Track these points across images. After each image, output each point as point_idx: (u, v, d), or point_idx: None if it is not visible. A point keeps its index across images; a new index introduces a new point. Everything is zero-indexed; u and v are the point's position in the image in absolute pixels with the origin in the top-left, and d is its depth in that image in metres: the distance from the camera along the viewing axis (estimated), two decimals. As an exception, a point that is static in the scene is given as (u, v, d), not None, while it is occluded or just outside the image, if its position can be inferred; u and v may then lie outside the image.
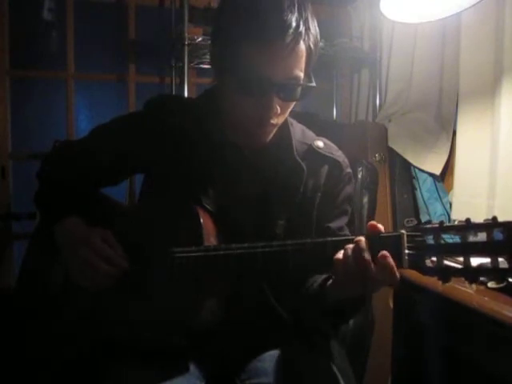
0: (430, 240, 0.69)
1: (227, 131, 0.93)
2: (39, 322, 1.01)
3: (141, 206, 1.09)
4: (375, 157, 1.82)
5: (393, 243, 0.70)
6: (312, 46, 0.84)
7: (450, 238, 0.69)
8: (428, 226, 0.70)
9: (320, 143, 0.99)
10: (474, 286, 0.66)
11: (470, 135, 1.55)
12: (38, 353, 1.01)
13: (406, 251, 0.70)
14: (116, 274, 0.87)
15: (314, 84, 0.87)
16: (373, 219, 1.45)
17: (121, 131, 1.00)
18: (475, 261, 0.66)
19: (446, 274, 0.68)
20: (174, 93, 2.12)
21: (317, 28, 0.86)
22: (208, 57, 1.93)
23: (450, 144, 1.76)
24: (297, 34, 0.80)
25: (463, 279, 0.67)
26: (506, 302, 1.00)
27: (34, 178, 1.05)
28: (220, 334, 0.89)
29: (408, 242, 0.70)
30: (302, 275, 0.92)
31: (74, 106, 2.28)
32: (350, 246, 0.72)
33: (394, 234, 0.71)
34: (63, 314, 0.97)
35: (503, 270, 0.64)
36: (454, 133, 1.72)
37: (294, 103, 0.90)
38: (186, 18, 1.80)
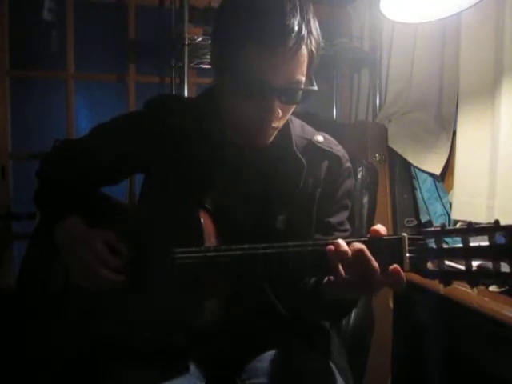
0: (432, 243, 0.69)
1: (227, 131, 0.93)
2: (39, 322, 1.01)
3: (141, 206, 1.09)
4: (375, 157, 1.82)
5: (394, 246, 0.70)
6: (314, 49, 0.83)
7: (451, 241, 0.69)
8: (429, 229, 0.70)
9: (320, 138, 0.98)
10: (475, 289, 0.66)
11: (470, 135, 1.55)
12: (37, 353, 1.01)
13: (408, 254, 0.69)
14: (115, 279, 0.87)
15: (315, 87, 0.86)
16: (373, 219, 1.45)
17: (121, 131, 1.00)
18: (476, 264, 0.66)
19: (448, 277, 0.67)
20: (173, 93, 2.12)
21: (318, 30, 0.84)
22: (208, 57, 1.93)
23: (449, 144, 1.76)
24: (299, 39, 0.78)
25: (465, 283, 0.67)
26: (505, 302, 1.01)
27: (33, 177, 1.05)
28: (220, 334, 0.88)
29: (409, 246, 0.70)
30: (302, 276, 0.92)
31: (73, 106, 2.27)
32: (351, 254, 0.71)
33: (395, 237, 0.71)
34: (63, 313, 0.97)
35: (505, 274, 0.64)
36: (454, 133, 1.72)
37: (295, 105, 0.89)
38: (186, 18, 1.80)
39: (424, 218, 1.76)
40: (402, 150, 1.83)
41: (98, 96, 2.34)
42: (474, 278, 0.66)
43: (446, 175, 1.82)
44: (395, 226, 1.80)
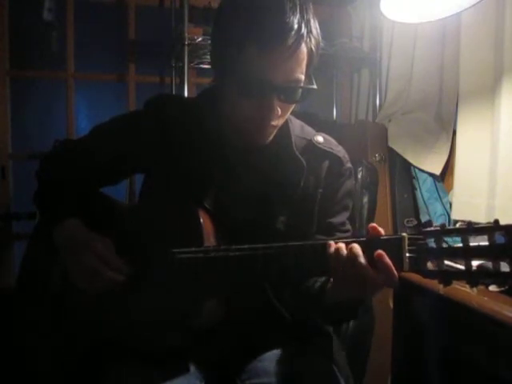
0: (432, 243, 0.69)
1: (227, 131, 0.93)
2: (39, 322, 1.01)
3: (141, 206, 1.09)
4: (375, 157, 1.82)
5: (394, 246, 0.70)
6: (313, 48, 0.83)
7: (451, 241, 0.69)
8: (429, 228, 0.70)
9: (320, 138, 0.99)
10: (475, 289, 0.66)
11: (470, 135, 1.55)
12: (37, 353, 1.01)
13: (407, 254, 0.70)
14: (117, 278, 0.86)
15: (315, 86, 0.87)
16: (373, 219, 1.45)
17: (121, 131, 1.00)
18: (476, 263, 0.66)
19: (447, 277, 0.67)
20: (174, 93, 2.12)
21: (318, 29, 0.85)
22: (208, 57, 1.93)
23: (449, 144, 1.76)
24: (299, 37, 0.79)
25: (464, 282, 0.67)
26: (505, 302, 1.00)
27: (33, 178, 1.05)
28: (220, 334, 0.89)
29: (409, 245, 0.70)
30: (302, 276, 0.92)
31: (74, 106, 2.28)
32: (345, 252, 0.72)
33: (395, 236, 0.71)
34: (63, 313, 0.97)
35: (505, 273, 0.63)
36: (454, 133, 1.72)
37: (295, 104, 0.90)
38: (186, 18, 1.80)
39: (424, 218, 1.76)
40: (402, 150, 1.83)
41: (97, 96, 2.35)
42: (473, 278, 0.66)
43: (446, 175, 1.82)
44: (395, 226, 1.80)
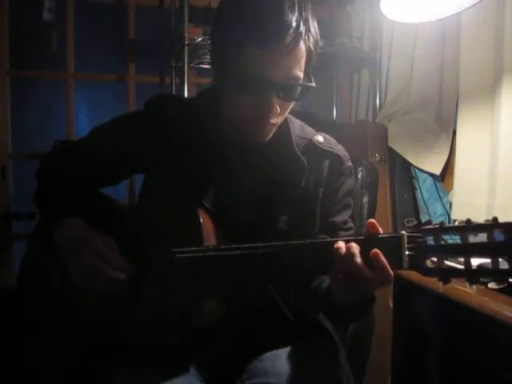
0: (431, 241, 0.69)
1: (227, 130, 0.93)
2: (39, 322, 1.01)
3: (141, 206, 1.09)
4: (375, 157, 1.82)
5: (393, 244, 0.70)
6: (312, 46, 0.84)
7: (450, 239, 0.69)
8: (428, 226, 0.70)
9: (320, 138, 0.99)
10: (474, 286, 0.66)
11: (470, 135, 1.55)
12: (37, 353, 1.01)
13: (407, 252, 0.70)
14: (118, 277, 0.86)
15: (313, 84, 0.88)
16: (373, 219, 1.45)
17: (121, 131, 1.00)
18: (475, 261, 0.66)
19: (447, 274, 0.68)
20: (174, 93, 2.12)
21: (317, 29, 0.86)
22: (208, 57, 1.93)
23: (449, 144, 1.76)
24: (297, 35, 0.80)
25: (463, 280, 0.67)
26: (505, 301, 1.00)
27: (33, 178, 1.05)
28: (220, 334, 0.88)
29: (408, 243, 0.70)
30: (302, 275, 0.92)
31: (74, 106, 2.28)
32: (343, 251, 0.73)
33: (395, 235, 0.71)
34: (63, 313, 0.97)
35: (504, 270, 0.64)
36: (454, 133, 1.72)
37: (294, 103, 0.90)
38: (186, 18, 1.80)
39: (424, 218, 1.76)
40: (402, 150, 1.83)
41: (97, 96, 2.35)
42: (472, 275, 0.66)
43: (446, 175, 1.82)
44: (395, 226, 1.80)
